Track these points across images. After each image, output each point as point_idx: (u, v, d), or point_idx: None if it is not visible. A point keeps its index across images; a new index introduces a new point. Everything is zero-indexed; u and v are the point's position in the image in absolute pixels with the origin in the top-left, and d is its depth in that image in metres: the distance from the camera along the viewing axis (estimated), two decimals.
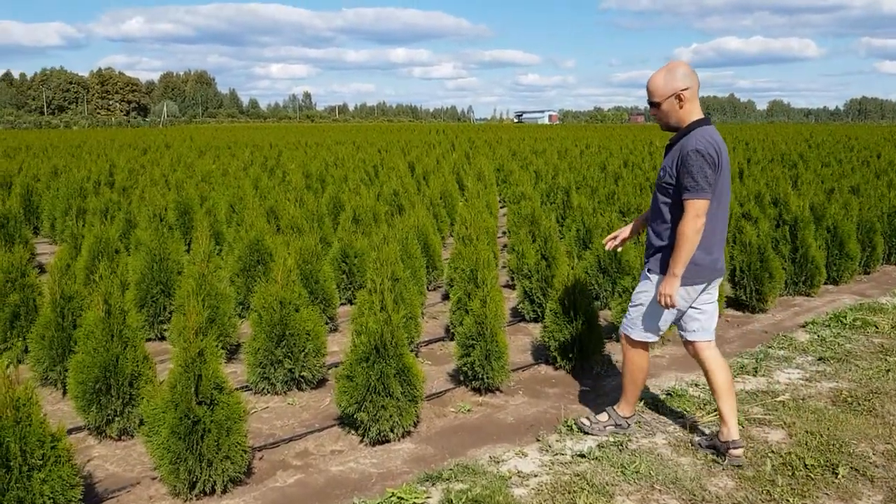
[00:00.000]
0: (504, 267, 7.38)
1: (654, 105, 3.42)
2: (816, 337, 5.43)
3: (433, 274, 6.90)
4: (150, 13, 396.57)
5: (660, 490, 3.22)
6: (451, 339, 5.03)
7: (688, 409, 4.08)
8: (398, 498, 3.12)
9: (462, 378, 4.47)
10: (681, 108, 3.36)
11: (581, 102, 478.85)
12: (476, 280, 4.59)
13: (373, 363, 3.62)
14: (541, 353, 5.03)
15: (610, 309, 5.64)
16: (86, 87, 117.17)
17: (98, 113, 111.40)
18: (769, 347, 5.23)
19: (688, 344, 3.63)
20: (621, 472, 3.37)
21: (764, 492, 3.19)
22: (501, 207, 12.32)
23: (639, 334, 3.60)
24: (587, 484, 3.25)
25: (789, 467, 3.39)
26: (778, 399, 4.23)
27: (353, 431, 3.84)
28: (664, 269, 3.39)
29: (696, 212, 3.23)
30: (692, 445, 3.63)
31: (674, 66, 3.36)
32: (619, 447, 3.63)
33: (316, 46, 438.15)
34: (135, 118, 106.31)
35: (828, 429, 3.80)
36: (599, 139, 29.34)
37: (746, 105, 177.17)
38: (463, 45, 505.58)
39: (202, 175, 12.23)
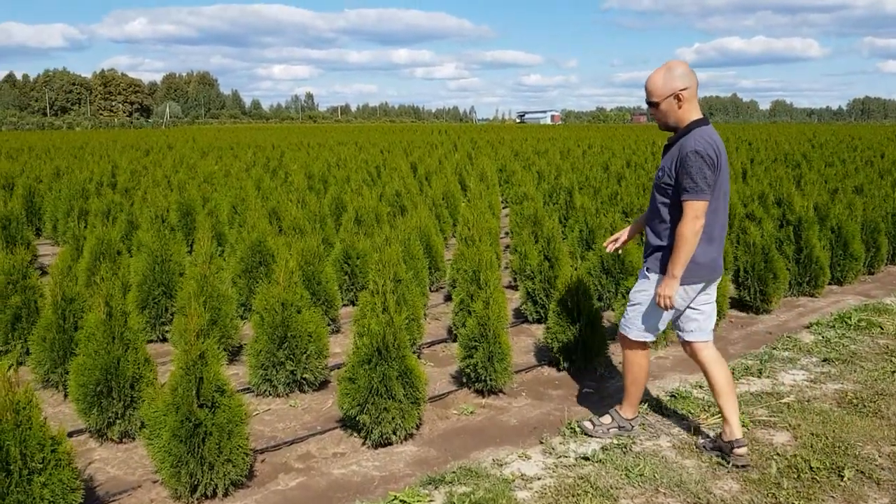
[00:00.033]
0: (507, 268, 7.36)
1: (652, 105, 3.41)
2: (821, 338, 5.40)
3: (436, 275, 6.88)
4: (154, 14, 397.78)
5: (664, 493, 3.20)
6: (454, 341, 5.01)
7: (692, 411, 4.05)
8: (401, 501, 3.10)
9: (465, 380, 4.45)
10: (679, 108, 3.34)
11: (583, 102, 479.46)
12: (479, 281, 4.57)
13: (375, 365, 3.60)
14: (544, 355, 5.01)
15: (613, 310, 5.61)
16: (89, 89, 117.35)
17: (101, 114, 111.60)
18: (773, 349, 5.19)
19: (685, 344, 3.62)
20: (625, 475, 3.34)
21: (769, 495, 3.16)
22: (504, 208, 12.30)
23: (636, 334, 3.58)
24: (591, 487, 3.23)
25: (795, 470, 3.37)
26: (783, 401, 4.21)
27: (355, 434, 3.82)
28: (663, 269, 3.38)
29: (695, 213, 3.22)
30: (697, 448, 3.61)
31: (672, 66, 3.34)
32: (623, 450, 3.60)
33: (318, 47, 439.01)
34: (137, 119, 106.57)
35: (833, 431, 3.77)
36: (602, 139, 29.32)
37: (749, 105, 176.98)
38: (465, 46, 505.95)
39: (204, 176, 12.22)
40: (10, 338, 4.74)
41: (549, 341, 4.73)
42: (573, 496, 3.16)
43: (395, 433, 3.68)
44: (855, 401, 4.18)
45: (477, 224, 5.60)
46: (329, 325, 5.33)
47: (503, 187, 13.87)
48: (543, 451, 3.64)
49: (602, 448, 3.62)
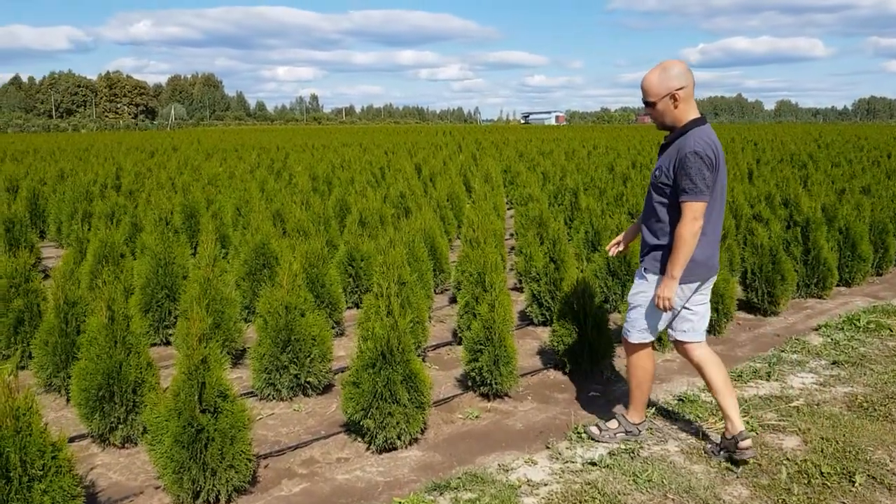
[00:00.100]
0: (512, 269, 7.32)
1: (648, 105, 3.37)
2: (830, 340, 5.34)
3: (440, 277, 6.84)
4: (158, 16, 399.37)
5: (673, 499, 3.15)
6: (459, 343, 4.97)
7: (700, 415, 4.00)
8: None
9: (470, 383, 4.41)
10: (675, 107, 3.30)
11: (588, 103, 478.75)
12: (484, 284, 4.52)
13: (379, 369, 3.57)
14: (549, 358, 4.96)
15: (619, 312, 5.57)
16: (94, 91, 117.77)
17: (106, 116, 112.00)
18: (782, 351, 5.14)
19: (678, 344, 3.59)
20: (633, 480, 3.30)
21: (780, 500, 3.12)
22: (509, 209, 12.25)
23: (637, 336, 3.56)
24: (599, 493, 3.18)
25: (805, 475, 3.32)
26: (792, 404, 4.15)
27: (359, 438, 3.78)
28: (662, 270, 3.35)
29: (694, 214, 3.19)
30: (705, 452, 3.56)
31: (668, 66, 3.30)
32: (631, 455, 3.56)
33: (323, 49, 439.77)
34: (142, 121, 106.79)
35: (843, 435, 3.72)
36: (607, 140, 29.23)
37: (754, 105, 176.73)
38: (470, 47, 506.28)
39: (209, 178, 12.20)
40: (13, 342, 4.72)
41: (555, 344, 4.69)
42: (580, 502, 3.12)
43: (399, 438, 3.64)
44: (865, 404, 4.12)
45: (482, 226, 5.55)
46: (333, 328, 5.29)
47: (508, 188, 13.83)
48: (550, 456, 3.59)
49: (609, 453, 3.57)
